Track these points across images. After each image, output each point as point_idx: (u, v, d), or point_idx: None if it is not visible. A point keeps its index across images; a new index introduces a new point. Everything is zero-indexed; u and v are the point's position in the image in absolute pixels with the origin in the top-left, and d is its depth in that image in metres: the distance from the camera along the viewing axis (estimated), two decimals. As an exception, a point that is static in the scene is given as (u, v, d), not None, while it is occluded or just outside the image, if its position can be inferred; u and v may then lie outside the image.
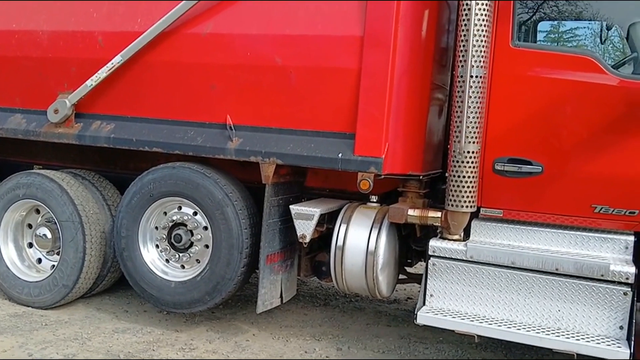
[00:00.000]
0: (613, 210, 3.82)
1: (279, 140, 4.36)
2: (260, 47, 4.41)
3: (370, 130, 4.11)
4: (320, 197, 5.03)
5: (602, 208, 3.85)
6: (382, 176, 4.13)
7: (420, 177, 4.41)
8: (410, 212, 4.26)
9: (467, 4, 3.85)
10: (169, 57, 4.63)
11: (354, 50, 4.14)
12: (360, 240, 4.36)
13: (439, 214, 4.17)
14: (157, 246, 4.86)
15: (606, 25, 4.65)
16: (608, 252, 3.86)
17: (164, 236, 4.80)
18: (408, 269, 5.13)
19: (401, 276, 5.03)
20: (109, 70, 4.70)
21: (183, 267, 4.81)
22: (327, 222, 4.59)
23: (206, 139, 4.55)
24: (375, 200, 4.59)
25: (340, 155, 4.18)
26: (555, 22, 5.08)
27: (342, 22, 4.21)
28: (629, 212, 3.80)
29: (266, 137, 4.41)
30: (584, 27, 5.03)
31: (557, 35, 5.14)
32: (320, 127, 4.29)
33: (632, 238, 3.83)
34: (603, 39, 4.71)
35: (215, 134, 4.54)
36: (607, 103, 3.80)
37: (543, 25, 5.10)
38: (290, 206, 4.48)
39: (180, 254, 4.77)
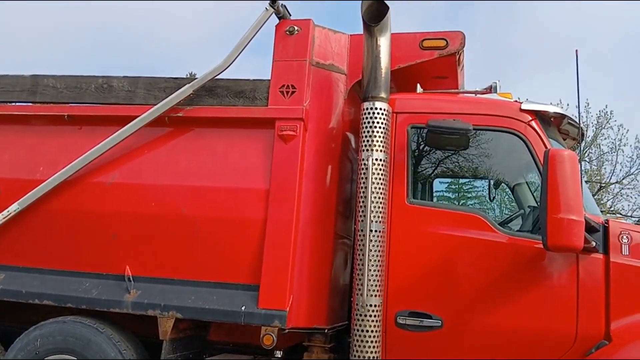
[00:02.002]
0: (511, 365, 3.87)
1: (180, 293, 4.22)
2: (167, 197, 4.42)
3: (275, 282, 4.09)
4: (223, 352, 4.80)
5: None
6: (287, 330, 4.04)
7: (326, 331, 4.33)
8: (315, 368, 4.12)
9: (365, 163, 4.09)
10: (69, 205, 4.51)
11: (259, 202, 4.23)
12: (264, 400, 4.12)
13: (343, 370, 4.06)
14: (37, 412, 4.34)
15: (494, 183, 5.06)
16: None
17: (48, 400, 4.32)
18: None
19: None
20: (3, 218, 4.49)
21: None
22: (229, 380, 4.34)
23: (102, 291, 4.33)
24: (280, 356, 4.42)
25: (243, 308, 4.08)
26: (450, 180, 5.47)
27: (249, 175, 4.34)
28: (526, 366, 3.86)
29: (167, 289, 4.26)
30: (476, 186, 5.43)
31: (451, 192, 5.51)
32: (223, 278, 4.23)
33: None
34: (492, 196, 5.10)
35: (113, 286, 4.34)
36: (497, 259, 4.00)
37: (439, 183, 5.48)
38: (189, 364, 4.23)
39: (64, 421, 4.28)
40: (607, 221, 3.95)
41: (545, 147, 4.02)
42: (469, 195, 5.62)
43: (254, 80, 4.53)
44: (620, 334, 3.72)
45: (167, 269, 4.31)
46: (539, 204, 3.84)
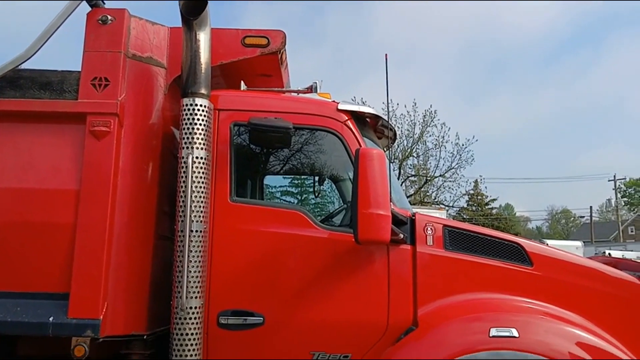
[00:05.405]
0: (329, 356, 4.00)
1: (-22, 305, 3.78)
2: (-41, 200, 3.93)
3: (87, 290, 3.84)
4: (33, 367, 4.38)
5: (320, 354, 4.00)
6: (101, 339, 3.79)
7: (145, 337, 4.14)
8: (132, 377, 3.92)
9: (184, 161, 3.97)
10: None
11: (68, 204, 3.95)
12: (75, 414, 3.83)
13: (162, 377, 3.91)
14: None
15: (319, 180, 5.20)
16: None
17: None
18: None
19: None
20: None
21: None
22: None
23: None
24: (95, 367, 4.14)
25: (51, 319, 3.79)
26: (277, 177, 5.52)
27: (56, 175, 4.02)
28: (343, 356, 4.01)
29: (-39, 302, 3.80)
30: (301, 182, 5.55)
31: (278, 189, 5.57)
32: (28, 287, 3.90)
33: None
34: (317, 193, 5.24)
35: None
36: (317, 254, 4.10)
37: (268, 180, 5.51)
38: (-12, 384, 3.80)
39: None
40: (414, 214, 4.24)
41: (360, 145, 4.20)
42: (296, 192, 5.72)
43: (62, 71, 4.20)
44: (427, 319, 4.01)
45: (-38, 280, 3.84)
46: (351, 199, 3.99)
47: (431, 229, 4.16)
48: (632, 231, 67.78)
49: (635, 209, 74.68)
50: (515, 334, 3.78)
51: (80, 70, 4.14)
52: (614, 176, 59.22)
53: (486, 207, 53.98)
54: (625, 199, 78.09)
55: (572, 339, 3.86)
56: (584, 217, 69.68)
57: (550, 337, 3.82)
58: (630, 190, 79.31)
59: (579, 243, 29.43)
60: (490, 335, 3.78)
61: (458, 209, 40.61)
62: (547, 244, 6.70)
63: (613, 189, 60.93)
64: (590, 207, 60.87)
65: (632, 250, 30.50)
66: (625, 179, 68.03)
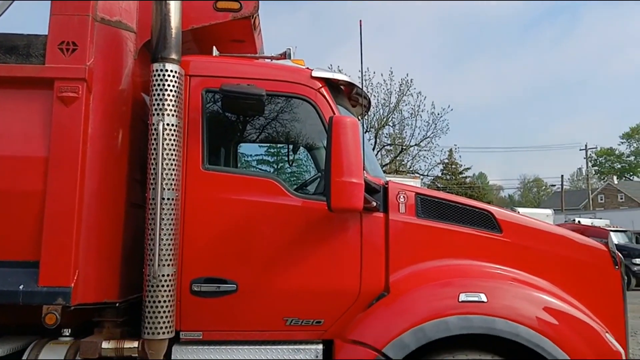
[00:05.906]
0: (302, 322, 4.05)
1: (-55, 274, 3.73)
2: None
3: (57, 257, 3.81)
4: (4, 335, 4.35)
5: (292, 320, 4.05)
6: (73, 307, 3.78)
7: (117, 305, 4.13)
8: (105, 344, 3.92)
9: (155, 128, 3.91)
10: None
11: (37, 171, 3.89)
12: (50, 382, 3.84)
13: (135, 344, 3.91)
14: None
15: (293, 148, 5.17)
16: None
17: None
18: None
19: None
20: None
21: None
22: (10, 365, 3.96)
23: None
24: (67, 334, 4.13)
25: (21, 287, 3.76)
26: (251, 145, 5.48)
27: (23, 142, 3.94)
28: (316, 322, 4.06)
29: None
30: (275, 150, 5.52)
31: (251, 157, 5.53)
32: (-2, 256, 3.81)
33: (320, 347, 4.06)
34: (291, 161, 5.22)
35: None
36: (290, 222, 4.11)
37: (241, 148, 5.46)
38: (-42, 352, 3.77)
39: None
40: (387, 182, 4.27)
41: (334, 113, 4.18)
42: (271, 160, 5.68)
43: (27, 35, 4.07)
44: (398, 285, 4.07)
45: None
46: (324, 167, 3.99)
47: (404, 197, 4.19)
48: (601, 199, 69.44)
49: (605, 178, 76.37)
50: (484, 299, 3.86)
51: (47, 34, 4.02)
52: (586, 145, 60.17)
53: (460, 175, 54.62)
54: (595, 167, 79.79)
55: (539, 304, 3.95)
56: (555, 185, 71.02)
57: (517, 302, 3.91)
58: (600, 159, 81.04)
59: (549, 211, 30.04)
60: (460, 300, 3.86)
61: (432, 177, 41.06)
62: (519, 212, 6.82)
63: (584, 158, 61.99)
64: (562, 175, 62.24)
65: (600, 218, 31.30)
66: (596, 148, 69.41)
